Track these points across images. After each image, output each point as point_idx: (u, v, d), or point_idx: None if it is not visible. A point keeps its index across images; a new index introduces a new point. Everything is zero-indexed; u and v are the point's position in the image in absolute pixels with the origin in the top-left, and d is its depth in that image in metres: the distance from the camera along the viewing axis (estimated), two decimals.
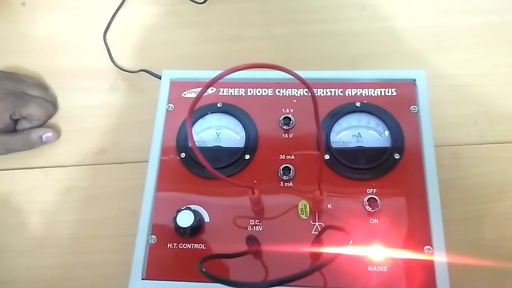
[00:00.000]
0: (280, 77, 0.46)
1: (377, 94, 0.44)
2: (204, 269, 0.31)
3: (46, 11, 0.63)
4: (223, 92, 0.46)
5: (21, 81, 0.54)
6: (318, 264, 0.30)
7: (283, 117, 0.44)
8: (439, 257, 0.37)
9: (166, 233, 0.40)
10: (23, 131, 0.52)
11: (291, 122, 0.44)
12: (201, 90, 0.26)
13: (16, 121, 0.53)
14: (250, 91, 0.46)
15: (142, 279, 0.39)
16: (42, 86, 0.56)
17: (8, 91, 0.51)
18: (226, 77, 0.26)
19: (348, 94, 0.45)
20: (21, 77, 0.55)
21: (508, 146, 0.50)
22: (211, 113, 0.45)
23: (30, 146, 0.52)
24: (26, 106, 0.51)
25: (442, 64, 0.56)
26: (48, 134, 0.52)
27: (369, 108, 0.44)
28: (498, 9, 0.58)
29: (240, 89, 0.46)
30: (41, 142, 0.52)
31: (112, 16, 0.62)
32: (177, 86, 0.47)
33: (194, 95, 0.27)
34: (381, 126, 0.43)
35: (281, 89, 0.46)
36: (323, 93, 0.45)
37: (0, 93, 0.51)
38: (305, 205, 0.40)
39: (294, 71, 0.27)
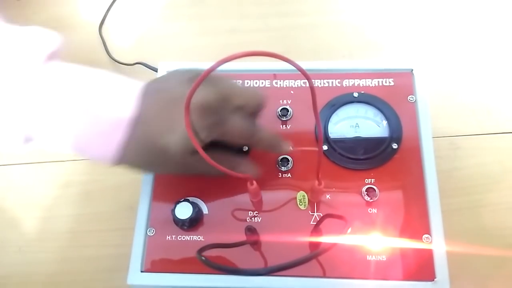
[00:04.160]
0: (277, 68, 0.46)
1: (375, 84, 0.44)
2: (203, 258, 0.31)
3: (41, 5, 0.63)
4: None
5: (198, 69, 0.38)
6: (316, 251, 0.30)
7: (280, 108, 0.44)
8: (438, 245, 0.37)
9: (164, 225, 0.40)
10: (232, 160, 0.39)
11: (288, 113, 0.44)
12: (198, 79, 0.26)
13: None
14: (248, 83, 0.46)
15: (141, 272, 0.39)
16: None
17: (193, 77, 0.37)
18: (223, 68, 0.26)
19: (346, 84, 0.45)
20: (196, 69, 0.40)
21: (506, 136, 0.50)
22: None
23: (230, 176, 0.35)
24: (232, 95, 0.37)
25: (440, 54, 0.56)
26: (252, 173, 0.39)
27: (366, 99, 0.44)
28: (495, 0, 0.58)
29: (237, 81, 0.46)
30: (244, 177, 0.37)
31: (107, 9, 0.61)
32: None
33: (191, 87, 0.27)
34: (378, 116, 0.43)
35: (278, 81, 0.46)
36: (320, 84, 0.45)
37: (187, 80, 0.37)
38: (303, 196, 0.40)
39: (291, 60, 0.26)
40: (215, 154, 0.36)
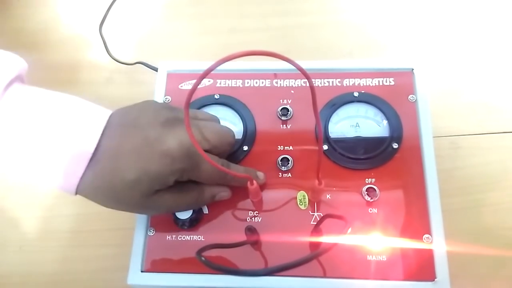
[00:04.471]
0: (278, 68, 0.46)
1: (375, 83, 0.44)
2: (203, 258, 0.31)
3: (41, 4, 0.63)
4: (220, 83, 0.46)
5: (175, 109, 0.39)
6: (316, 252, 0.30)
7: (281, 108, 0.44)
8: (438, 245, 0.37)
9: (165, 225, 0.40)
10: (197, 188, 0.38)
11: (289, 113, 0.44)
12: (198, 78, 0.26)
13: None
14: (248, 82, 0.46)
15: (142, 272, 0.39)
16: (205, 113, 0.42)
17: (171, 119, 0.37)
18: (223, 68, 0.26)
19: (346, 84, 0.45)
20: (172, 107, 0.40)
21: (507, 136, 0.50)
22: (207, 105, 0.45)
23: (198, 205, 0.40)
24: (201, 131, 0.37)
25: (440, 53, 0.55)
26: (222, 194, 0.39)
27: (367, 98, 0.44)
28: None
29: (238, 80, 0.46)
30: (212, 201, 0.40)
31: (108, 8, 0.61)
32: (174, 78, 0.47)
33: (191, 87, 0.26)
34: (379, 116, 0.43)
35: (279, 80, 0.45)
36: (320, 83, 0.45)
37: (163, 122, 0.36)
38: (304, 196, 0.40)
39: (291, 59, 0.26)
40: (175, 186, 0.36)
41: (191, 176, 0.36)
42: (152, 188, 0.35)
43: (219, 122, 0.42)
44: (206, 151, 0.37)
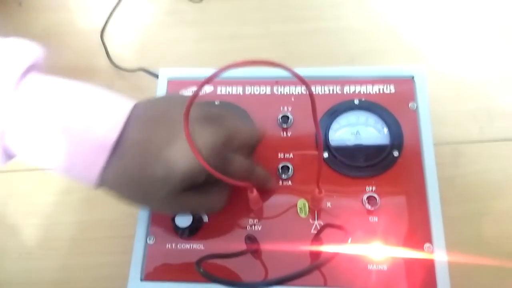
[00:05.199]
0: (278, 75, 0.45)
1: (376, 91, 0.44)
2: (201, 270, 0.31)
3: (42, 11, 0.63)
4: (221, 90, 0.46)
5: (205, 104, 0.38)
6: (316, 263, 0.30)
7: (281, 115, 0.44)
8: (439, 255, 0.37)
9: (164, 233, 0.40)
10: (223, 192, 0.38)
11: (289, 120, 0.43)
12: (198, 87, 0.26)
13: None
14: (248, 90, 0.46)
15: (141, 280, 0.39)
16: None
17: (203, 115, 0.35)
18: (224, 75, 0.26)
19: (347, 91, 0.45)
20: (201, 102, 0.37)
21: (509, 144, 0.50)
22: None
23: (220, 210, 0.38)
24: (235, 136, 0.36)
25: (441, 60, 0.55)
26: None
27: (367, 106, 0.43)
28: (497, 5, 0.58)
29: (238, 88, 0.46)
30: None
31: (109, 15, 0.62)
32: (175, 85, 0.47)
33: (191, 95, 0.26)
34: (379, 124, 0.43)
35: (279, 87, 0.45)
36: (321, 90, 0.45)
37: (194, 118, 0.33)
38: (304, 204, 0.40)
39: (291, 68, 0.26)
40: (204, 187, 0.36)
41: (225, 173, 0.34)
42: (180, 186, 0.34)
43: (248, 116, 0.41)
44: (234, 149, 0.36)
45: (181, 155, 0.33)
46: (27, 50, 0.34)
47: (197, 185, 0.35)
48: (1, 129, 0.32)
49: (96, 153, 0.33)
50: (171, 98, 0.37)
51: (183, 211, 0.38)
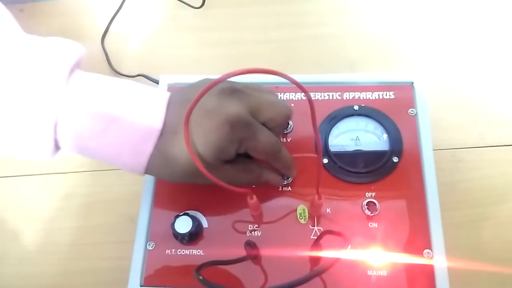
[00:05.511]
0: (278, 81, 0.45)
1: (375, 97, 0.44)
2: (201, 277, 0.31)
3: (43, 17, 0.63)
4: None
5: (230, 81, 0.37)
6: (315, 271, 0.30)
7: None
8: (439, 261, 0.37)
9: (164, 239, 0.40)
10: (257, 169, 0.40)
11: (289, 126, 0.44)
12: (196, 96, 0.26)
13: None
14: None
15: (141, 286, 0.38)
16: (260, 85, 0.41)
17: (226, 89, 0.36)
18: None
19: (346, 97, 0.45)
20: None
21: (508, 149, 0.50)
22: None
23: (253, 184, 0.41)
24: (262, 108, 0.37)
25: (440, 66, 0.56)
26: (276, 180, 0.41)
27: (367, 112, 0.44)
28: (496, 10, 0.58)
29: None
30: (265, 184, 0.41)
31: (110, 21, 0.62)
32: None
33: (191, 102, 0.27)
34: (379, 130, 0.43)
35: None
36: (320, 96, 0.45)
37: (218, 92, 0.36)
38: (303, 210, 0.40)
39: (290, 75, 0.26)
40: (240, 163, 0.38)
41: (248, 146, 0.37)
42: (215, 159, 0.36)
43: (275, 95, 0.42)
44: (262, 123, 0.37)
45: (208, 128, 0.35)
46: (72, 48, 0.36)
47: (232, 157, 0.37)
48: (54, 121, 0.34)
49: (145, 141, 0.35)
50: (199, 81, 0.39)
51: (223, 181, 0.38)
